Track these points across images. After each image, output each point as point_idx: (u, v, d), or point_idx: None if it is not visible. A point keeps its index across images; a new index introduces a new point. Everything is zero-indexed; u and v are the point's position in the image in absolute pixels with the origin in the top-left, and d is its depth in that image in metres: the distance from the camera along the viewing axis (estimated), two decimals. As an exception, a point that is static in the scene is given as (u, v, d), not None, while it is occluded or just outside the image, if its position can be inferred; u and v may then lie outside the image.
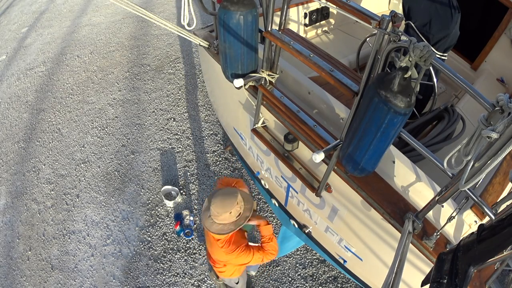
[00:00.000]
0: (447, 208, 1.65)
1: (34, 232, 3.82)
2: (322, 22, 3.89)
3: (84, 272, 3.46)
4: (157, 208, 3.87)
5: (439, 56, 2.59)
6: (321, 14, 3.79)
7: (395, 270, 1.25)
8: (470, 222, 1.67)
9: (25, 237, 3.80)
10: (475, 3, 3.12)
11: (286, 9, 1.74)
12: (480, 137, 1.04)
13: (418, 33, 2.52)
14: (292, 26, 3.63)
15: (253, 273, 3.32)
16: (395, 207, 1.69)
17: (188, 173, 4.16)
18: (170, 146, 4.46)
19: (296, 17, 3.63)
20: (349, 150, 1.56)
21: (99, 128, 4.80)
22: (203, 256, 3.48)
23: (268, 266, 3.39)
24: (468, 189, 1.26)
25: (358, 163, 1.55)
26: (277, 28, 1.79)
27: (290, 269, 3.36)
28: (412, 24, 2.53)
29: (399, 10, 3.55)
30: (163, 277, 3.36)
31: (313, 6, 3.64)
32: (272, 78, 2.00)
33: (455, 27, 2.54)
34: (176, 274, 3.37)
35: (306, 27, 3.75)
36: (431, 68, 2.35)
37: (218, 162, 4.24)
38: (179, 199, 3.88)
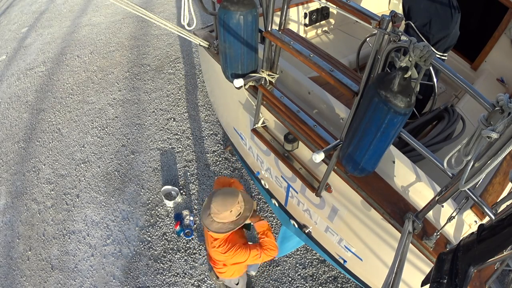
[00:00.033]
0: (447, 208, 1.65)
1: (34, 232, 3.82)
2: (322, 22, 3.89)
3: (84, 272, 3.46)
4: (157, 208, 3.87)
5: (439, 56, 2.59)
6: (321, 14, 3.79)
7: (395, 270, 1.25)
8: (470, 222, 1.67)
9: (25, 237, 3.80)
10: (475, 3, 3.12)
11: (286, 9, 1.74)
12: (480, 137, 1.04)
13: (418, 33, 2.52)
14: (292, 26, 3.63)
15: (253, 273, 3.32)
16: (395, 207, 1.69)
17: (188, 173, 4.16)
18: (170, 146, 4.46)
19: (296, 17, 3.63)
20: (349, 150, 1.56)
21: (99, 128, 4.80)
22: (203, 256, 3.48)
23: (268, 266, 3.39)
24: (468, 189, 1.26)
25: (358, 163, 1.55)
26: (277, 28, 1.79)
27: (290, 269, 3.36)
28: (412, 24, 2.53)
29: (399, 10, 3.55)
30: (163, 277, 3.36)
31: (313, 6, 3.64)
32: (272, 78, 2.00)
33: (455, 27, 2.54)
34: (176, 274, 3.37)
35: (306, 27, 3.75)
36: (431, 68, 2.35)
37: (218, 162, 4.24)
38: (179, 199, 3.88)
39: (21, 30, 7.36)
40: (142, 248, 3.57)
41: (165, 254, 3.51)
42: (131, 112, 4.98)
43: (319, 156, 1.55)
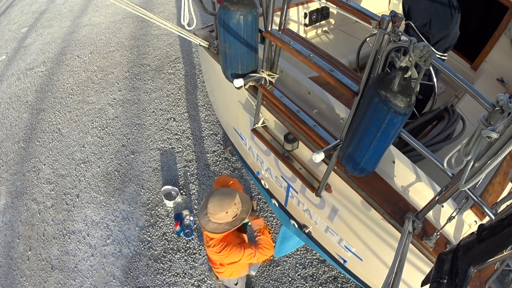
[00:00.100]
0: (447, 208, 1.65)
1: (34, 232, 3.82)
2: (322, 22, 3.89)
3: (84, 272, 3.46)
4: (157, 208, 3.87)
5: (439, 56, 2.59)
6: (321, 14, 3.79)
7: (395, 270, 1.25)
8: (470, 222, 1.67)
9: (25, 237, 3.80)
10: (475, 3, 3.12)
11: (286, 9, 1.74)
12: (480, 137, 1.03)
13: (418, 33, 2.52)
14: (292, 26, 3.62)
15: (253, 273, 3.31)
16: (395, 207, 1.69)
17: (188, 173, 4.16)
18: (170, 146, 4.46)
19: (296, 17, 3.63)
20: (349, 150, 1.56)
21: (99, 128, 4.80)
22: (203, 256, 3.48)
23: (268, 266, 3.39)
24: (468, 189, 1.26)
25: (358, 163, 1.55)
26: (277, 28, 1.79)
27: (290, 269, 3.36)
28: (412, 24, 2.53)
29: (399, 10, 3.55)
30: (163, 277, 3.36)
31: (313, 6, 3.64)
32: (272, 78, 2.00)
33: (455, 27, 2.54)
34: (176, 274, 3.37)
35: (306, 27, 3.75)
36: (431, 68, 2.35)
37: (218, 162, 4.24)
38: (179, 199, 3.88)
39: (21, 30, 7.36)
40: (142, 248, 3.57)
41: (165, 254, 3.51)
42: (131, 112, 4.98)
43: (319, 156, 1.55)
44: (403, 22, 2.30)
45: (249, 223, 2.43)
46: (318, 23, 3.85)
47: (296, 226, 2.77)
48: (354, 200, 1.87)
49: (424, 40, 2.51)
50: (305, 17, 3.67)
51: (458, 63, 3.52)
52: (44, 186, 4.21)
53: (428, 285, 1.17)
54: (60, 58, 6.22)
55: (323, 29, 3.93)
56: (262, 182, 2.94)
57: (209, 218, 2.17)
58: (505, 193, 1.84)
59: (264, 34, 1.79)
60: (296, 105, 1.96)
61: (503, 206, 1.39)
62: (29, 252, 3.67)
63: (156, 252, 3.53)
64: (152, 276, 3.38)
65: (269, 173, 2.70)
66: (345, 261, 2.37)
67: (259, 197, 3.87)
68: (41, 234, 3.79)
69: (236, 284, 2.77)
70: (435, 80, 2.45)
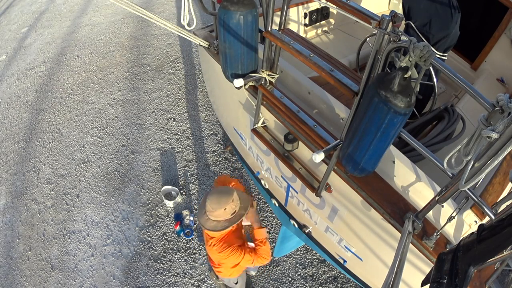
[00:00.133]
0: (447, 208, 1.65)
1: (34, 232, 3.82)
2: (322, 22, 3.89)
3: (84, 272, 3.46)
4: (157, 208, 3.87)
5: (439, 56, 2.59)
6: (321, 14, 3.79)
7: (395, 270, 1.25)
8: (470, 222, 1.67)
9: (25, 237, 3.80)
10: (475, 3, 3.12)
11: (286, 9, 1.74)
12: (480, 137, 1.03)
13: (418, 33, 2.52)
14: (292, 26, 3.63)
15: (253, 273, 3.32)
16: (395, 207, 1.69)
17: (188, 173, 4.16)
18: (170, 146, 4.46)
19: (296, 17, 3.63)
20: (349, 150, 1.56)
21: (99, 128, 4.80)
22: (203, 256, 3.48)
23: (268, 266, 3.39)
24: (468, 189, 1.26)
25: (358, 163, 1.55)
26: (277, 28, 1.79)
27: (290, 269, 3.36)
28: (412, 24, 2.53)
29: (399, 10, 3.55)
30: (163, 277, 3.36)
31: (313, 6, 3.64)
32: (272, 78, 2.00)
33: (455, 27, 2.54)
34: (176, 274, 3.37)
35: (306, 27, 3.75)
36: (431, 68, 2.35)
37: (218, 162, 4.24)
38: (179, 199, 3.88)
39: (21, 30, 7.36)
40: (142, 248, 3.57)
41: (165, 254, 3.51)
42: (131, 112, 4.98)
43: (319, 156, 1.55)
44: (403, 22, 2.29)
45: (250, 232, 2.43)
46: (318, 23, 3.85)
47: (296, 226, 2.77)
48: (354, 200, 1.87)
49: (424, 40, 2.51)
50: (305, 17, 3.67)
51: (458, 63, 3.52)
52: (44, 186, 4.21)
53: (428, 285, 1.17)
54: (60, 58, 6.22)
55: (323, 29, 3.93)
56: (262, 182, 2.94)
57: (208, 216, 2.17)
58: (505, 193, 1.84)
59: (264, 34, 1.79)
60: (296, 105, 1.96)
61: (503, 206, 1.39)
62: (29, 252, 3.67)
63: (156, 252, 3.53)
64: (152, 276, 3.38)
65: (269, 173, 2.70)
66: (345, 261, 2.38)
67: (259, 197, 3.87)
68: (41, 234, 3.79)
69: (236, 283, 2.77)
70: (435, 80, 2.45)
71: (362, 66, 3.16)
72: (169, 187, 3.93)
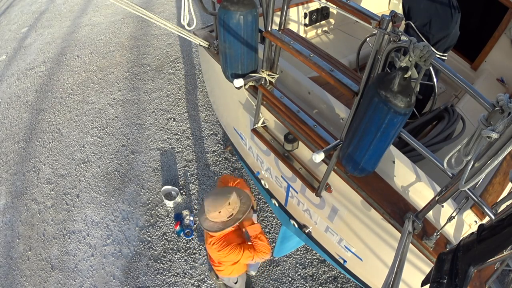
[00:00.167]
0: (447, 208, 1.65)
1: (34, 232, 3.82)
2: (322, 22, 3.89)
3: (84, 272, 3.46)
4: (157, 208, 3.87)
5: (439, 56, 2.59)
6: (321, 14, 3.79)
7: (395, 270, 1.25)
8: (470, 222, 1.67)
9: (25, 237, 3.80)
10: (475, 3, 3.12)
11: (286, 9, 1.74)
12: (480, 137, 1.03)
13: (418, 33, 2.51)
14: (292, 26, 3.62)
15: (253, 273, 3.32)
16: (395, 207, 1.69)
17: (188, 173, 4.16)
18: (170, 146, 4.46)
19: (296, 17, 3.63)
20: (349, 150, 1.56)
21: (99, 128, 4.80)
22: (203, 256, 3.48)
23: (268, 266, 3.39)
24: (468, 189, 1.26)
25: (358, 163, 1.55)
26: (277, 28, 1.79)
27: (290, 269, 3.36)
28: (412, 24, 2.53)
29: (399, 10, 3.55)
30: (163, 277, 3.36)
31: (313, 6, 3.64)
32: (272, 78, 2.00)
33: (455, 27, 2.54)
34: (176, 274, 3.37)
35: (306, 27, 3.75)
36: (431, 68, 2.35)
37: (218, 162, 4.24)
38: (179, 199, 3.88)
39: (21, 30, 7.36)
40: (142, 248, 3.57)
41: (165, 254, 3.51)
42: (131, 112, 4.98)
43: (319, 156, 1.55)
44: (403, 22, 2.29)
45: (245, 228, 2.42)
46: (318, 23, 3.85)
47: (296, 226, 2.77)
48: (354, 200, 1.87)
49: (424, 40, 2.51)
50: (305, 17, 3.67)
51: (458, 63, 3.52)
52: (44, 186, 4.21)
53: (428, 285, 1.17)
54: (60, 58, 6.22)
55: (323, 29, 3.93)
56: (262, 182, 2.94)
57: (206, 216, 2.21)
58: (505, 193, 1.84)
59: (264, 34, 1.79)
60: (296, 105, 1.96)
61: (503, 206, 1.39)
62: (29, 252, 3.67)
63: (156, 252, 3.53)
64: (152, 276, 3.38)
65: (269, 173, 2.70)
66: (345, 261, 2.37)
67: (259, 197, 3.87)
68: (41, 234, 3.79)
69: (236, 283, 2.77)
70: (435, 80, 2.45)
71: (362, 66, 3.16)
72: (169, 187, 3.93)
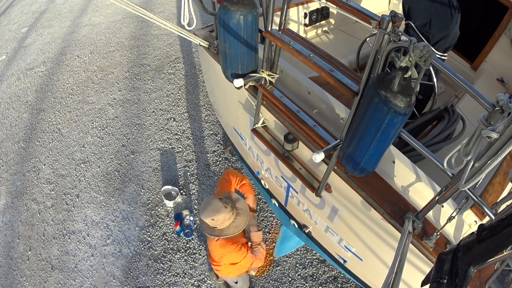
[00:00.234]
0: (447, 208, 1.65)
1: (34, 232, 3.82)
2: (322, 22, 3.89)
3: (84, 272, 3.46)
4: (157, 208, 3.87)
5: (439, 56, 2.59)
6: (321, 14, 3.79)
7: (395, 270, 1.25)
8: (470, 222, 1.67)
9: (25, 237, 3.80)
10: (475, 3, 3.12)
11: (286, 9, 1.74)
12: (480, 137, 1.03)
13: (418, 33, 2.51)
14: (292, 26, 3.62)
15: (252, 273, 3.31)
16: (395, 207, 1.69)
17: (188, 173, 4.16)
18: (170, 146, 4.46)
19: (296, 17, 3.63)
20: (349, 150, 1.56)
21: (99, 128, 4.80)
22: (203, 256, 3.48)
23: (268, 266, 3.39)
24: (468, 189, 1.26)
25: (358, 163, 1.55)
26: (277, 28, 1.79)
27: (290, 269, 3.36)
28: (412, 24, 2.53)
29: (399, 10, 3.55)
30: (163, 277, 3.36)
31: (313, 6, 3.64)
32: (272, 78, 2.00)
33: (455, 27, 2.54)
34: (176, 274, 3.37)
35: (306, 27, 3.75)
36: (431, 68, 2.35)
37: (218, 162, 4.24)
38: (179, 199, 3.88)
39: (21, 30, 7.36)
40: (142, 248, 3.57)
41: (165, 254, 3.51)
42: (131, 112, 4.98)
43: (319, 156, 1.55)
44: (403, 22, 2.29)
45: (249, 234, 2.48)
46: (318, 23, 3.85)
47: (296, 226, 2.77)
48: (354, 200, 1.87)
49: (424, 40, 2.51)
50: (305, 17, 3.67)
51: (458, 63, 3.52)
52: (44, 186, 4.21)
53: (428, 285, 1.17)
54: (60, 58, 6.22)
55: (323, 29, 3.93)
56: (262, 182, 2.94)
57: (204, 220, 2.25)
58: (505, 193, 1.84)
59: (264, 34, 1.79)
60: (296, 105, 1.96)
61: (503, 206, 1.39)
62: (29, 252, 3.67)
63: (156, 252, 3.53)
64: (152, 276, 3.38)
65: (269, 173, 2.70)
66: (345, 261, 2.38)
67: (259, 197, 3.87)
68: (41, 234, 3.79)
69: (236, 283, 2.77)
70: (435, 80, 2.45)
71: (362, 66, 3.16)
72: (169, 187, 3.93)
